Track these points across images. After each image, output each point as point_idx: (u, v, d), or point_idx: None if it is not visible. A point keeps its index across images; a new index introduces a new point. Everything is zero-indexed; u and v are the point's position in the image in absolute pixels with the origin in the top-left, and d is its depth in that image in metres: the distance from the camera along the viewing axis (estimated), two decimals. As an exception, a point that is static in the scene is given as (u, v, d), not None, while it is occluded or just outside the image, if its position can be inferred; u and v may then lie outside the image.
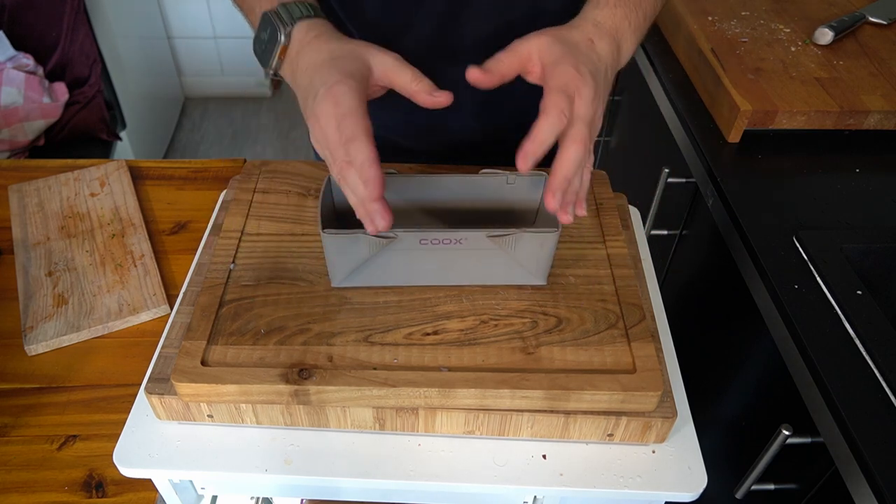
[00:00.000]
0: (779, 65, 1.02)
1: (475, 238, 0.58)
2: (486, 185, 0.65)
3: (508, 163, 0.75)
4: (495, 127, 0.81)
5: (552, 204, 0.52)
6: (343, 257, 0.59)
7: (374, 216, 0.50)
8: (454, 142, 0.82)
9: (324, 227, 0.57)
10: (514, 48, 0.53)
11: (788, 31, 1.11)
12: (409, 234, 0.57)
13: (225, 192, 0.77)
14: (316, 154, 0.97)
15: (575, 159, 0.51)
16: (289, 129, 2.57)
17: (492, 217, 0.67)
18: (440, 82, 0.76)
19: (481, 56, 0.74)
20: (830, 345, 0.68)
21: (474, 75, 0.52)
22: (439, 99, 0.53)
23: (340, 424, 0.57)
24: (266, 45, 0.56)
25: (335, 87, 0.49)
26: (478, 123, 0.80)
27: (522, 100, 0.80)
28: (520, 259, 0.60)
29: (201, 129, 2.55)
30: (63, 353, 0.72)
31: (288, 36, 0.54)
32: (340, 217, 0.66)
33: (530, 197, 0.66)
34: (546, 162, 0.55)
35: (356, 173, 0.48)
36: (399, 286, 0.62)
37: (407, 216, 0.67)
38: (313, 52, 0.53)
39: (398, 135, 0.83)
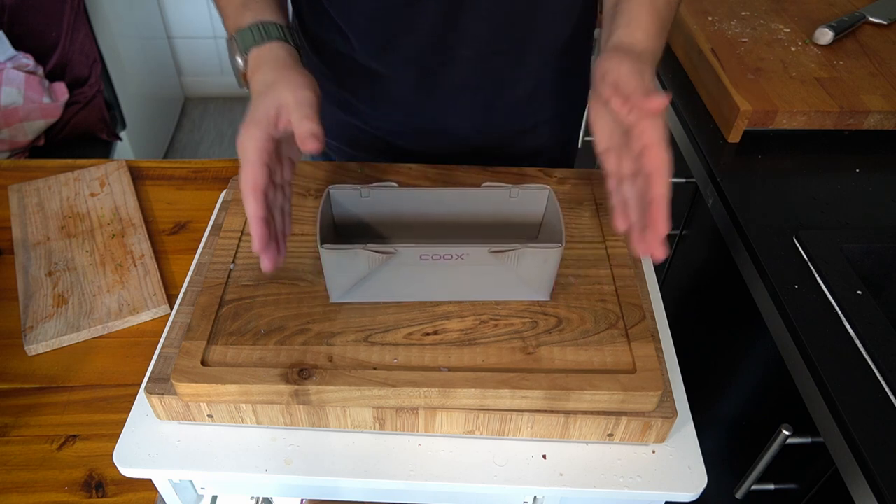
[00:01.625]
0: (779, 65, 1.02)
1: (477, 254, 0.57)
2: (489, 199, 0.64)
3: (508, 165, 0.76)
4: (495, 130, 0.81)
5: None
6: (342, 272, 0.58)
7: (261, 258, 0.53)
8: (453, 144, 0.82)
9: (322, 242, 0.56)
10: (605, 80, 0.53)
11: (788, 31, 1.11)
12: (408, 249, 0.56)
13: (225, 192, 0.77)
14: (314, 154, 0.97)
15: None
16: (289, 129, 2.56)
17: (494, 230, 0.66)
18: (440, 84, 0.76)
19: (480, 57, 0.74)
20: (830, 345, 0.68)
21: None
22: (305, 146, 0.54)
23: (340, 424, 0.57)
24: (233, 66, 0.62)
25: (242, 134, 0.54)
26: (478, 126, 0.80)
27: (522, 103, 0.80)
28: (522, 275, 0.59)
29: (201, 129, 2.55)
30: (63, 353, 0.72)
31: (245, 63, 0.60)
32: (340, 231, 0.66)
33: (533, 210, 0.65)
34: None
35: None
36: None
37: (408, 230, 0.66)
38: (253, 83, 0.58)
39: (397, 137, 0.83)
